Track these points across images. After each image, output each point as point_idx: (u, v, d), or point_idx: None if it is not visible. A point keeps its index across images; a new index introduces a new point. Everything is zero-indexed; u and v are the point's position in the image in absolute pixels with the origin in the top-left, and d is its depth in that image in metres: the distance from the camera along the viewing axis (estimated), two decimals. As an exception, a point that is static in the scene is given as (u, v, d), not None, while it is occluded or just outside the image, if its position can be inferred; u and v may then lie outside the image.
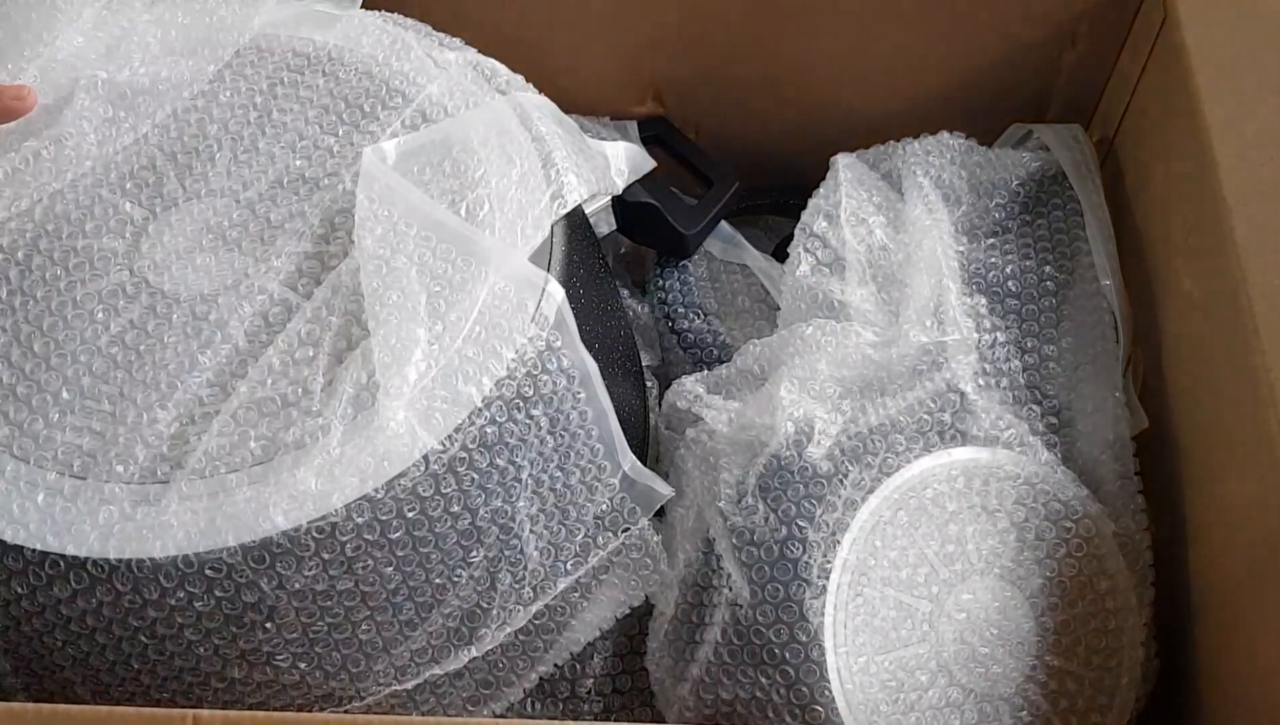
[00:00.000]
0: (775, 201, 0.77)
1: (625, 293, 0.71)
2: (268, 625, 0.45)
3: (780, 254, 0.71)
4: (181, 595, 0.44)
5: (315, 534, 0.44)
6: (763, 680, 0.51)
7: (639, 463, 0.52)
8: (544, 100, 0.58)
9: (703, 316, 0.70)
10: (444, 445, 0.45)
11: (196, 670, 0.46)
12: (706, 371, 0.62)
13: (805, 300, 0.61)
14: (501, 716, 0.54)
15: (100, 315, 0.49)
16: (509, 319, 0.48)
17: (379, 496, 0.44)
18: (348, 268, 0.48)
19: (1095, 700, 0.55)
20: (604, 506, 0.51)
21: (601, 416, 0.50)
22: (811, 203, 0.63)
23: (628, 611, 0.54)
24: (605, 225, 0.66)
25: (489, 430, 0.46)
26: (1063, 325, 0.63)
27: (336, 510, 0.44)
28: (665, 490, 0.53)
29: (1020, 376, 0.61)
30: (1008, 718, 0.53)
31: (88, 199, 0.52)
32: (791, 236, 0.63)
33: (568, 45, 0.65)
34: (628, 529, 0.52)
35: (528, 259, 0.49)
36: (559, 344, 0.48)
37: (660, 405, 0.63)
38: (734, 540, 0.53)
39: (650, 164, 0.65)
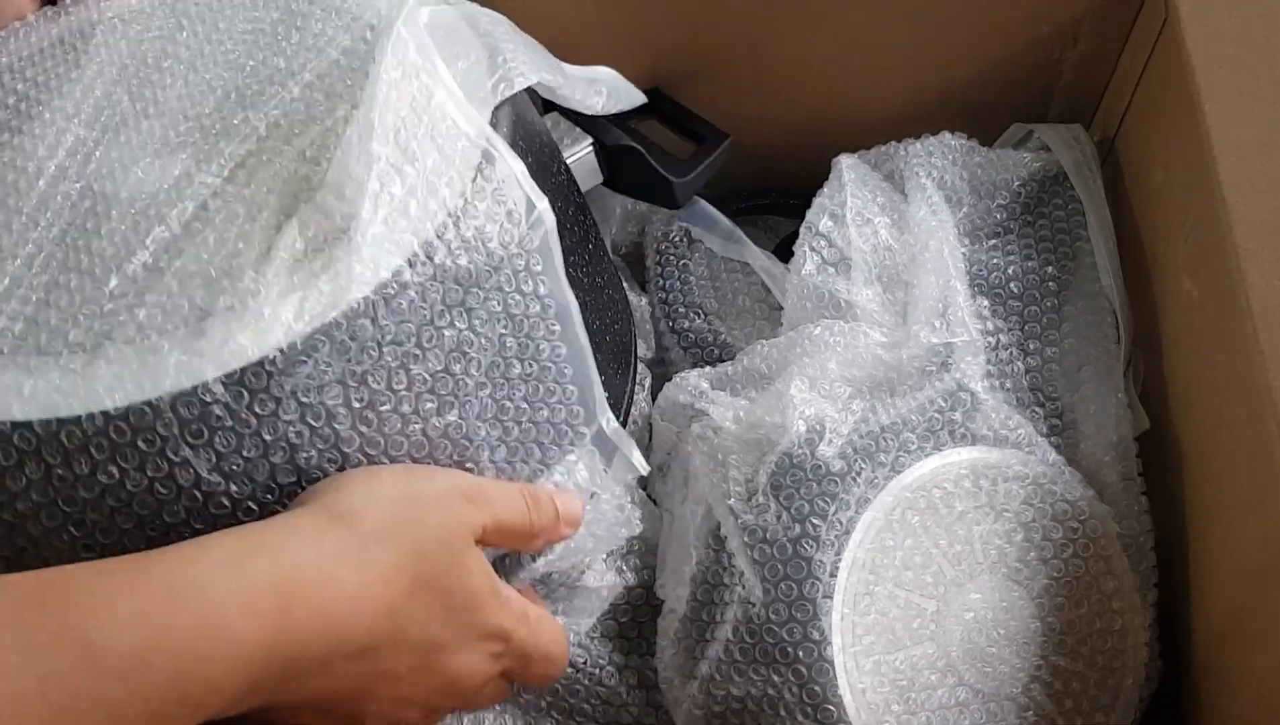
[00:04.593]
0: (775, 201, 0.77)
1: (625, 289, 0.71)
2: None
3: (781, 253, 0.71)
4: (114, 471, 0.43)
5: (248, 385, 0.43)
6: (774, 678, 0.51)
7: (621, 429, 0.52)
8: (502, 18, 0.57)
9: (703, 316, 0.70)
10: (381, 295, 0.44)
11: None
12: (709, 368, 0.61)
13: (811, 299, 0.61)
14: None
15: (43, 220, 0.48)
16: (460, 170, 0.47)
17: (316, 341, 0.44)
18: (289, 157, 0.48)
19: (1099, 700, 0.55)
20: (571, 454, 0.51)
21: (580, 357, 0.49)
22: (816, 202, 0.63)
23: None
24: (592, 177, 0.65)
25: (434, 292, 0.45)
26: (1064, 326, 0.63)
27: (272, 357, 0.43)
28: (641, 467, 0.52)
29: (1023, 378, 0.61)
30: (1013, 717, 0.53)
31: (49, 132, 0.52)
32: (792, 235, 0.63)
33: (567, 44, 0.65)
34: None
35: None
36: (539, 268, 0.48)
37: (655, 397, 0.62)
38: (745, 538, 0.53)
39: (640, 98, 0.64)
